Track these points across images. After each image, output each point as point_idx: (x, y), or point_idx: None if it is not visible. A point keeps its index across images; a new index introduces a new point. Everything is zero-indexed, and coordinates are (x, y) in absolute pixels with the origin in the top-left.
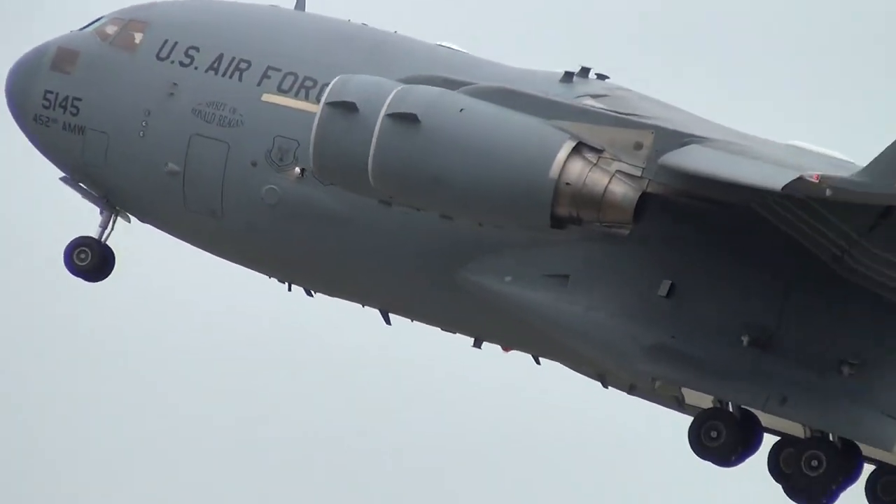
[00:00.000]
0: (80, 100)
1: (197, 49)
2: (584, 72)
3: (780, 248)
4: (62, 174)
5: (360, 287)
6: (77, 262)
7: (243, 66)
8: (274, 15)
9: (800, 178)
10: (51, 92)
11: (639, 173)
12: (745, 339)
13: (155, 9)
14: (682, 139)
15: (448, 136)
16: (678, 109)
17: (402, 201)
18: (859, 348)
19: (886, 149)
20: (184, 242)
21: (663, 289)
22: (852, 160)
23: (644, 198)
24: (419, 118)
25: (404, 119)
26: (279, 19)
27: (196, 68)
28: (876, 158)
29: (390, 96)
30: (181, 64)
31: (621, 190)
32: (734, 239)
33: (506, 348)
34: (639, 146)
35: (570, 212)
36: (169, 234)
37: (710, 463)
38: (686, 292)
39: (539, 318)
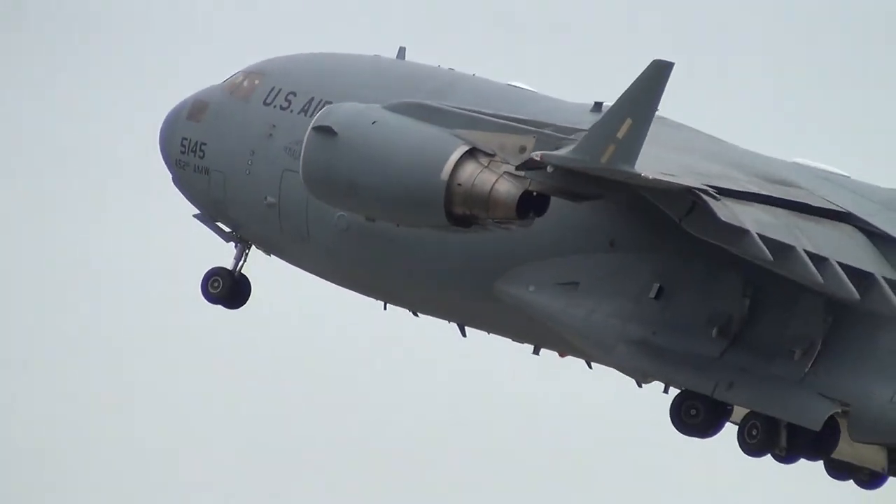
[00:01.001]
0: (205, 144)
1: (294, 94)
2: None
3: None
4: (196, 212)
5: (425, 303)
6: (211, 290)
7: (325, 105)
8: (366, 62)
9: (530, 159)
10: (186, 139)
11: (522, 174)
12: (714, 331)
13: (273, 62)
14: (558, 142)
15: (359, 145)
16: (706, 138)
17: (331, 205)
18: (809, 334)
19: (594, 125)
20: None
21: (653, 291)
22: (849, 174)
23: (526, 195)
24: (336, 130)
25: (324, 131)
26: (368, 66)
27: (291, 111)
28: (586, 135)
29: (319, 112)
30: (280, 108)
31: (505, 188)
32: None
33: (562, 354)
34: (523, 149)
35: (463, 210)
36: (284, 261)
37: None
38: (671, 293)
39: (553, 322)
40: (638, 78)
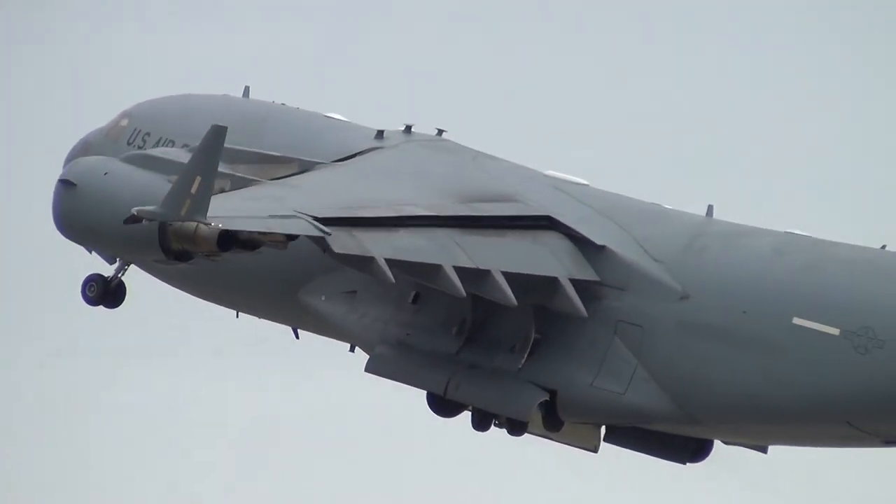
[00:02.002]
0: None
1: (149, 134)
2: (408, 129)
3: None
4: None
5: (258, 310)
6: (88, 293)
7: (168, 144)
8: (211, 102)
9: (131, 214)
10: None
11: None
12: (453, 331)
13: (141, 105)
14: (246, 184)
15: (93, 194)
16: (468, 158)
17: (79, 244)
18: (523, 331)
19: (174, 182)
20: None
21: (411, 297)
22: (588, 183)
23: (226, 233)
24: (75, 182)
25: (66, 184)
26: (209, 105)
27: (142, 150)
28: (169, 190)
29: (66, 167)
30: (138, 147)
31: (205, 228)
32: None
33: None
34: (221, 190)
35: (179, 247)
36: (156, 278)
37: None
38: (425, 298)
39: (337, 326)
40: (201, 141)
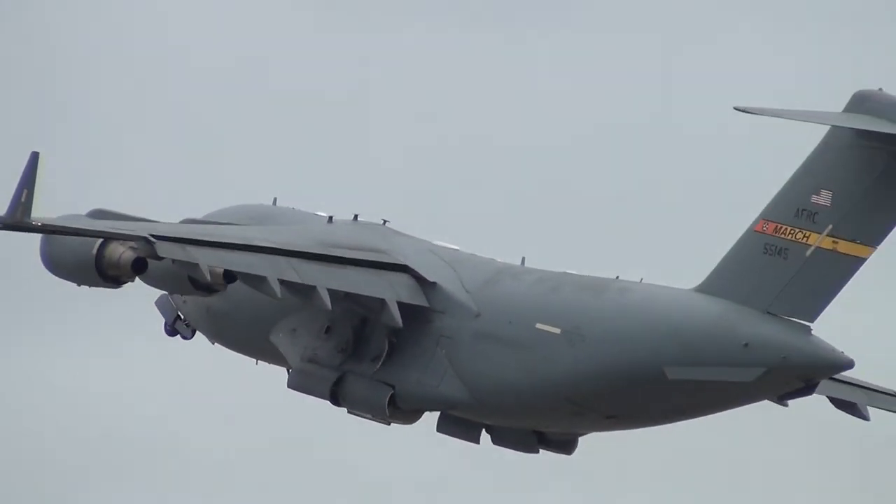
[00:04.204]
0: None
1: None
2: (355, 217)
3: None
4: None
5: (250, 350)
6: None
7: None
8: (247, 207)
9: None
10: None
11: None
12: (341, 348)
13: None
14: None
15: (57, 239)
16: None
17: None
18: (381, 346)
19: (12, 199)
20: None
21: (324, 329)
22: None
23: (139, 260)
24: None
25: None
26: (245, 208)
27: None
28: (10, 204)
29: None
30: None
31: (126, 257)
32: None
33: None
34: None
35: (112, 273)
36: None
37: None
38: (332, 329)
39: (285, 356)
40: (25, 167)
